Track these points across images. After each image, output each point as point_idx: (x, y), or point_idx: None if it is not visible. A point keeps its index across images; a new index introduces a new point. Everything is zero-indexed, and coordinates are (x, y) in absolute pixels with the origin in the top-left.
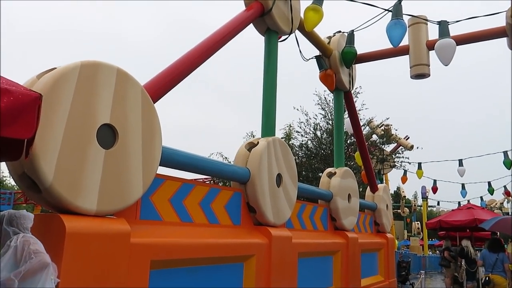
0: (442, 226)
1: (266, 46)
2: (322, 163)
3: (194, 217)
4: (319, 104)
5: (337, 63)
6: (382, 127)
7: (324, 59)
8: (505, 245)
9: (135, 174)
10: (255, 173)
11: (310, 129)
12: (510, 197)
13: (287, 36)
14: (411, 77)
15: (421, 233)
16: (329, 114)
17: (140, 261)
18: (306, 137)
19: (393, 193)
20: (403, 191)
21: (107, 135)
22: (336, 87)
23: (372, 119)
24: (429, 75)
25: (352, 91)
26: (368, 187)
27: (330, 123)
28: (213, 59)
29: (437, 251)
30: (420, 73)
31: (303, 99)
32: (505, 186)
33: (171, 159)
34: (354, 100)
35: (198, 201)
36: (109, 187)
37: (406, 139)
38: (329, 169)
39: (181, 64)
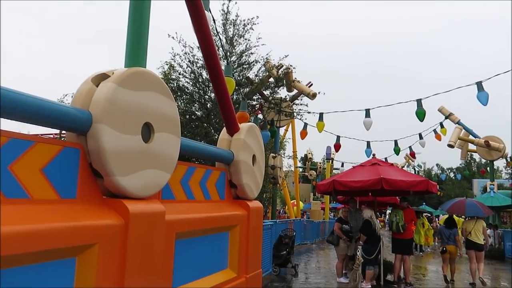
0: (336, 189)
1: None
2: (203, 109)
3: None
4: None
5: None
6: (282, 69)
7: None
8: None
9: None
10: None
11: (188, 64)
12: (413, 160)
13: None
14: None
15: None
16: (215, 44)
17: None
18: (186, 77)
19: (303, 156)
20: (310, 152)
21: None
22: None
23: (269, 57)
24: None
25: (241, 19)
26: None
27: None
28: None
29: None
30: None
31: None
32: (410, 147)
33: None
34: (249, 33)
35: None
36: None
37: (309, 86)
38: (102, 71)
39: None
